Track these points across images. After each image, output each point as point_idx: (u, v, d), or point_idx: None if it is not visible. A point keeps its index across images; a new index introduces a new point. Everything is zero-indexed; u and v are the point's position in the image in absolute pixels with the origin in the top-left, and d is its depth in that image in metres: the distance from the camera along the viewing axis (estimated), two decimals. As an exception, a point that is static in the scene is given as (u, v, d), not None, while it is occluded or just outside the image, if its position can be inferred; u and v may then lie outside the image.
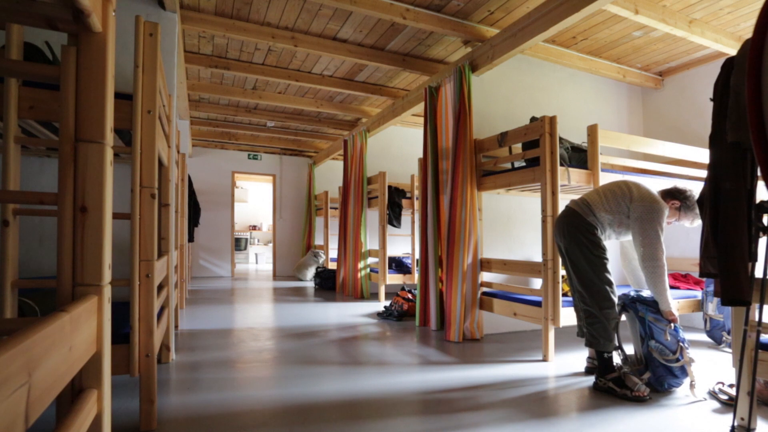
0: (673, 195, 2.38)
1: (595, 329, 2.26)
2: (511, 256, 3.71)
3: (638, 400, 2.07)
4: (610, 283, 2.27)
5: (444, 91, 3.64)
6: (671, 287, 3.48)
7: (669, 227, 4.20)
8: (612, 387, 2.16)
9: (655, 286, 2.22)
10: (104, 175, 0.94)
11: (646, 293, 2.35)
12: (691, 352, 2.20)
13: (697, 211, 2.34)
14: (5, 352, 0.52)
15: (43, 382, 0.64)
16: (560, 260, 2.70)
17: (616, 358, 2.39)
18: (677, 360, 2.14)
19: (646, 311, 2.26)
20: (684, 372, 2.17)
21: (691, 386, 2.14)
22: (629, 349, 2.51)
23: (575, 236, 2.31)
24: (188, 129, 5.91)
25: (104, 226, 0.95)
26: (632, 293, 2.38)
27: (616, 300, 2.27)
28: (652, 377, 2.21)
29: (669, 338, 2.17)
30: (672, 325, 2.20)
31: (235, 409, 1.92)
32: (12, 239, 1.50)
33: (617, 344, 2.34)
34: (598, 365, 2.25)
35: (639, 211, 2.26)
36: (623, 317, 2.42)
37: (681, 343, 2.16)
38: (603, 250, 2.29)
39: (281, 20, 3.58)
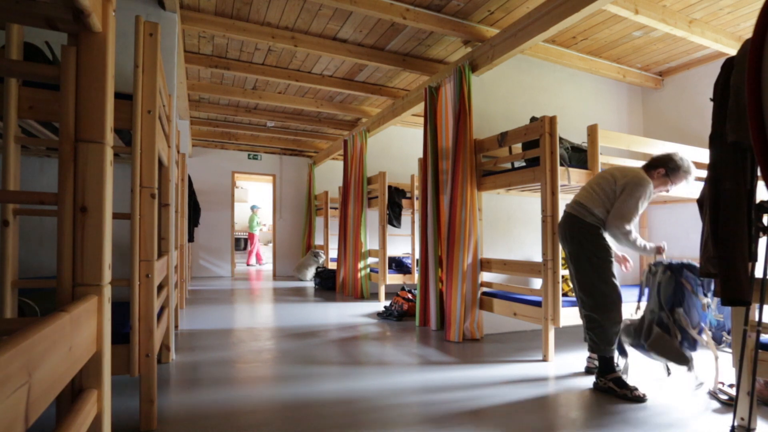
0: (655, 165, 2.36)
1: (596, 334, 2.26)
2: (511, 256, 3.71)
3: (638, 401, 2.08)
4: (614, 286, 2.25)
5: (444, 91, 3.64)
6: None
7: (669, 226, 4.20)
8: (612, 387, 2.16)
9: (629, 245, 2.26)
10: (104, 175, 0.94)
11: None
12: (706, 339, 2.21)
13: (686, 169, 2.32)
14: (5, 352, 0.52)
15: (43, 382, 0.64)
16: (561, 261, 2.71)
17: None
18: (698, 334, 2.17)
19: (694, 282, 2.20)
20: (694, 347, 2.18)
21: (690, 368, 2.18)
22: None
23: (578, 240, 2.30)
24: (188, 129, 5.91)
25: (104, 226, 0.95)
26: (686, 261, 2.32)
27: (621, 303, 2.25)
28: (680, 342, 2.19)
29: (707, 310, 2.18)
30: (709, 300, 2.20)
31: (235, 408, 1.92)
32: (12, 239, 1.50)
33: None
34: (599, 365, 2.25)
35: (623, 184, 2.28)
36: (650, 279, 2.37)
37: (702, 323, 2.18)
38: (607, 251, 2.28)
39: (281, 20, 3.58)
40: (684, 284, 2.21)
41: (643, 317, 2.31)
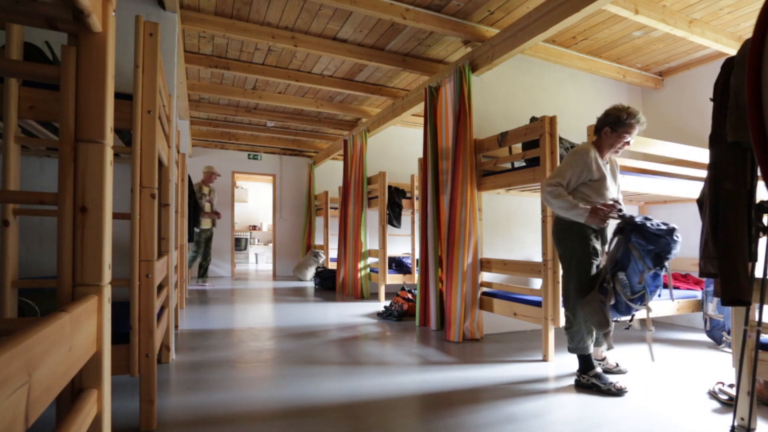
0: (600, 127, 2.32)
1: (570, 334, 2.30)
2: (511, 256, 3.71)
3: (620, 393, 2.12)
4: (586, 289, 2.23)
5: (444, 91, 3.64)
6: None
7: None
8: (595, 383, 2.19)
9: (559, 207, 2.21)
10: (104, 175, 0.94)
11: (652, 223, 2.10)
12: (652, 307, 2.15)
13: (627, 114, 2.24)
14: (5, 352, 0.52)
15: (43, 382, 0.64)
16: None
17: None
18: (633, 301, 2.10)
19: (641, 247, 2.06)
20: (628, 312, 2.15)
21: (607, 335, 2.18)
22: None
23: (562, 242, 2.33)
24: (188, 129, 5.91)
25: (104, 226, 0.95)
26: (639, 219, 2.12)
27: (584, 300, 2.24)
28: (614, 305, 2.16)
29: (644, 281, 2.07)
30: (651, 271, 2.07)
31: (235, 409, 1.92)
32: (12, 239, 1.50)
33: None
34: (579, 364, 2.29)
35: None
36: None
37: (648, 290, 2.08)
38: (587, 251, 2.24)
39: (281, 20, 3.58)
40: (631, 249, 2.10)
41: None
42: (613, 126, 2.27)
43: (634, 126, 2.25)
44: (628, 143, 2.30)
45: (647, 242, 2.06)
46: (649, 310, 2.11)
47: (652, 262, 2.07)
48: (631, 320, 2.22)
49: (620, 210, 2.19)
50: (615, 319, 2.21)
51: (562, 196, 2.19)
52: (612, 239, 2.21)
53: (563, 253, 2.34)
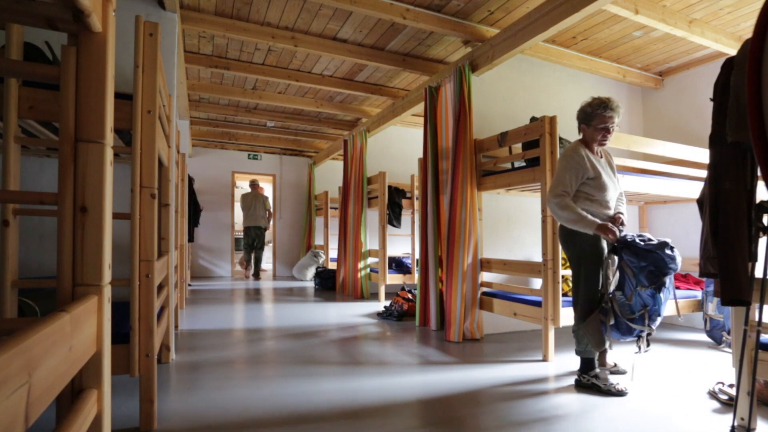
0: (578, 126, 2.32)
1: (578, 337, 2.28)
2: (511, 256, 3.71)
3: (620, 395, 2.12)
4: (592, 293, 2.22)
5: (444, 91, 3.64)
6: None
7: (669, 226, 4.20)
8: (595, 383, 2.19)
9: (566, 219, 2.19)
10: (104, 175, 0.94)
11: (639, 239, 2.10)
12: (655, 326, 2.06)
13: (593, 106, 2.20)
14: (5, 352, 0.52)
15: (43, 382, 0.64)
16: (561, 261, 2.71)
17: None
18: (633, 321, 2.06)
19: (632, 264, 2.05)
20: (630, 333, 2.10)
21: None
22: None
23: (569, 245, 2.31)
24: (188, 129, 5.91)
25: (104, 226, 0.95)
26: (630, 237, 2.12)
27: (594, 307, 2.23)
28: (614, 325, 2.14)
29: (643, 300, 2.03)
30: (646, 289, 2.03)
31: (234, 409, 1.92)
32: (12, 239, 1.50)
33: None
34: (581, 363, 2.28)
35: None
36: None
37: (652, 308, 2.02)
38: (594, 254, 2.22)
39: (281, 20, 3.58)
40: (624, 267, 2.09)
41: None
42: (585, 121, 2.29)
43: (604, 115, 2.19)
44: (609, 132, 2.24)
45: (638, 259, 2.05)
46: (651, 331, 2.07)
47: (647, 280, 2.04)
48: (638, 342, 2.12)
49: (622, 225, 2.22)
50: (618, 339, 2.20)
51: (568, 207, 2.18)
52: (606, 259, 2.19)
53: (571, 255, 2.31)
